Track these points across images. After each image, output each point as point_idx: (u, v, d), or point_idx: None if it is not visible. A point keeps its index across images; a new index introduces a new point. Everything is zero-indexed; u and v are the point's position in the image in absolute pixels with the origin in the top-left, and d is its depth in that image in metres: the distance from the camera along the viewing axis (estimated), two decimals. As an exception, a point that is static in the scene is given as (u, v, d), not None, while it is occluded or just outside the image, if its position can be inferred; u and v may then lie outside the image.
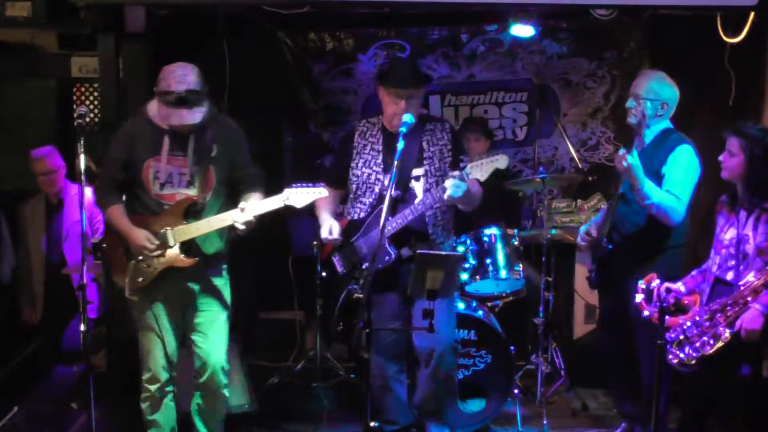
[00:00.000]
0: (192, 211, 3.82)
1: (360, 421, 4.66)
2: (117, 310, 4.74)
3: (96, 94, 5.73)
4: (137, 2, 4.85)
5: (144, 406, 4.01)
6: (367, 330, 3.41)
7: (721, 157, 3.81)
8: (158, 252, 3.81)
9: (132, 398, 4.22)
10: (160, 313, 3.93)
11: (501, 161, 3.83)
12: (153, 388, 3.97)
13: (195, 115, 3.71)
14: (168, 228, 3.80)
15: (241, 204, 3.74)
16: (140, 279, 3.87)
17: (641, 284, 3.85)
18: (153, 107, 3.85)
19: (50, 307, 5.38)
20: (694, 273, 3.97)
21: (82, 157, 3.49)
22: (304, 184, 3.78)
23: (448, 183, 3.83)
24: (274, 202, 3.75)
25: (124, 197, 3.95)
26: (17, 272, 5.47)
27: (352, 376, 5.37)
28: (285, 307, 5.94)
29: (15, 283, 5.48)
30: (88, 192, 4.73)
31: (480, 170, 3.83)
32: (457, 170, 3.87)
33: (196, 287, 3.96)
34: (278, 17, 5.03)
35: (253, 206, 3.74)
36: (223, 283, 4.03)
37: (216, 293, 4.00)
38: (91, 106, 5.71)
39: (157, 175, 3.81)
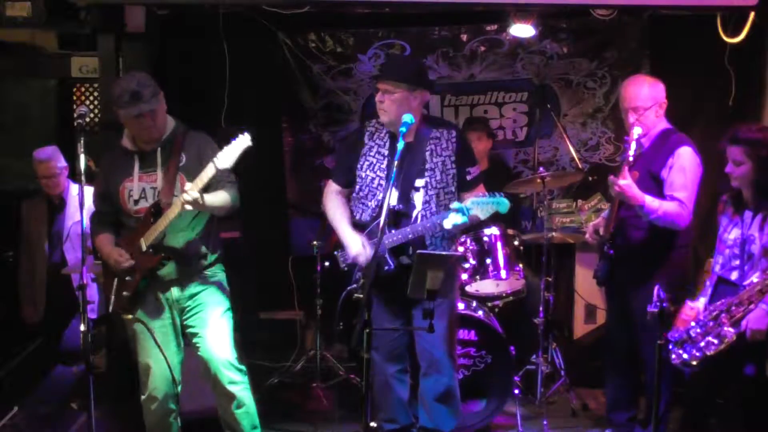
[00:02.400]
0: (159, 214, 3.87)
1: (360, 421, 4.68)
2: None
3: (96, 94, 5.74)
4: (137, 2, 4.85)
5: (147, 424, 4.02)
6: (367, 330, 3.41)
7: (727, 170, 3.75)
8: (130, 263, 3.87)
9: (132, 398, 4.22)
10: (155, 327, 3.93)
11: (502, 206, 3.80)
12: (152, 407, 3.98)
13: (151, 103, 3.81)
14: (141, 238, 3.89)
15: (186, 185, 3.78)
16: (125, 292, 3.91)
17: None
18: (125, 137, 3.98)
19: (50, 307, 5.38)
20: (708, 283, 3.94)
21: (82, 157, 3.50)
22: (229, 143, 3.75)
23: (448, 219, 3.82)
24: (209, 171, 3.76)
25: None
26: (19, 271, 5.47)
27: (352, 376, 5.37)
28: (285, 307, 5.94)
29: (16, 282, 5.48)
30: (90, 192, 4.74)
31: (480, 209, 3.80)
32: (457, 203, 3.84)
33: (184, 289, 3.98)
34: (278, 17, 5.03)
35: (194, 183, 3.76)
36: (213, 278, 4.04)
37: (207, 289, 4.01)
38: (91, 106, 5.72)
39: (131, 194, 3.92)
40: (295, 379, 5.50)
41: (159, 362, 3.91)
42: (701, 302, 3.88)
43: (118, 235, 4.01)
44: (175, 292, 3.97)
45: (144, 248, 3.87)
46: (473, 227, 4.90)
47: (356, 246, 4.04)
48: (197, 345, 4.00)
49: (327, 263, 5.13)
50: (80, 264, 3.56)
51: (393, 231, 4.00)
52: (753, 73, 5.15)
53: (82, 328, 3.48)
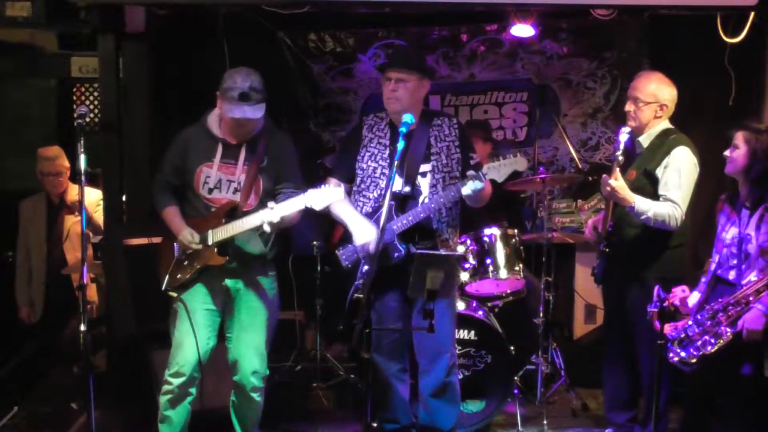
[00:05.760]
0: (234, 215, 3.90)
1: (360, 421, 4.68)
2: (117, 310, 4.75)
3: (96, 94, 5.74)
4: (137, 2, 4.85)
5: (163, 399, 4.00)
6: (367, 330, 3.41)
7: (726, 152, 3.82)
8: (197, 247, 3.90)
9: (132, 398, 4.22)
10: (197, 308, 3.96)
11: (519, 163, 3.84)
12: (176, 382, 3.95)
13: (256, 112, 3.84)
14: (210, 229, 3.91)
15: (270, 204, 3.82)
16: (179, 276, 3.96)
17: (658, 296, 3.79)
18: (212, 117, 4.00)
19: (50, 307, 5.38)
20: (704, 279, 3.95)
21: (82, 157, 3.50)
22: (323, 186, 3.83)
23: (466, 185, 3.84)
24: (297, 203, 3.81)
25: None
26: (16, 271, 5.47)
27: (352, 376, 5.37)
28: (285, 307, 5.89)
29: (14, 282, 5.48)
30: (89, 192, 4.75)
31: (498, 171, 3.84)
32: (473, 170, 3.86)
33: (236, 287, 4.01)
34: (278, 17, 5.03)
35: (280, 206, 3.81)
36: (267, 286, 4.07)
37: (257, 295, 4.03)
38: (91, 106, 5.73)
39: (207, 180, 3.95)
40: (295, 379, 5.50)
41: (192, 342, 3.92)
42: (694, 296, 3.89)
43: (182, 209, 4.01)
44: (227, 283, 4.01)
45: (210, 242, 3.90)
46: (475, 222, 4.92)
47: (368, 233, 3.99)
48: (231, 344, 4.05)
49: (327, 267, 5.14)
50: (80, 264, 3.57)
51: (401, 215, 4.01)
52: (753, 73, 5.14)
53: (82, 328, 3.48)
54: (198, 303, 3.97)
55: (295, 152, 4.11)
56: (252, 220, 3.83)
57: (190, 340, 3.92)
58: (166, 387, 3.98)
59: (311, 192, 3.79)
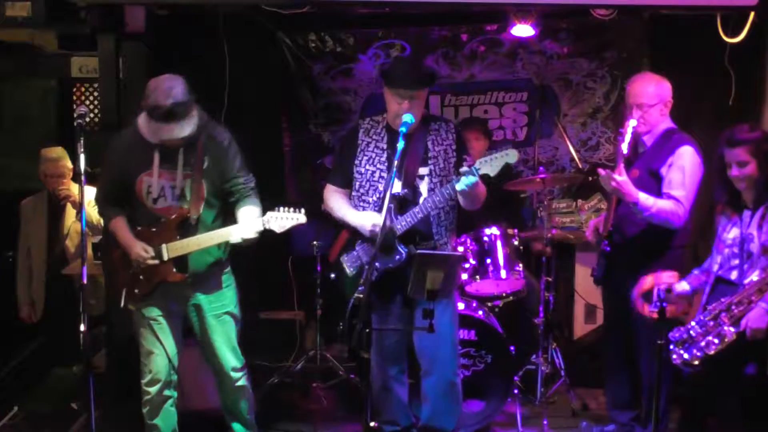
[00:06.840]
0: (186, 226, 3.87)
1: (360, 421, 4.68)
2: (117, 310, 4.74)
3: (96, 94, 5.74)
4: (137, 2, 4.85)
5: (144, 410, 4.02)
6: (367, 330, 3.41)
7: (733, 173, 3.73)
8: (153, 262, 3.85)
9: (132, 398, 4.23)
10: (159, 318, 3.97)
11: (510, 156, 3.84)
12: (152, 390, 3.98)
13: (184, 129, 3.73)
14: (164, 244, 3.86)
15: (233, 226, 3.86)
16: (136, 290, 3.93)
17: (647, 284, 3.80)
18: (143, 120, 3.86)
19: (50, 306, 5.38)
20: (696, 272, 3.96)
21: (82, 157, 3.51)
22: (285, 209, 3.83)
23: (459, 182, 3.85)
24: (255, 226, 3.83)
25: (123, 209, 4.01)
26: (16, 270, 5.47)
27: (352, 376, 5.37)
28: (285, 307, 5.94)
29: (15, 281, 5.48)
30: (89, 192, 4.74)
31: (490, 165, 3.85)
32: (466, 167, 3.87)
33: (194, 296, 4.01)
34: (278, 17, 5.03)
35: (238, 230, 3.85)
36: (224, 287, 4.07)
37: (217, 296, 4.04)
38: (91, 106, 5.72)
39: (149, 190, 3.87)
40: (295, 379, 5.50)
41: (160, 350, 3.95)
42: (682, 285, 3.88)
43: (131, 217, 3.95)
44: (186, 291, 4.00)
45: (165, 258, 3.86)
46: (475, 222, 4.92)
47: (369, 218, 4.03)
48: (204, 348, 4.07)
49: (333, 275, 5.11)
50: (80, 264, 3.57)
51: (400, 217, 4.02)
52: (753, 73, 5.15)
53: (82, 328, 3.48)
54: (162, 311, 3.98)
55: (234, 144, 3.99)
56: (210, 239, 3.83)
57: (159, 349, 3.95)
58: (145, 397, 4.01)
59: (270, 214, 3.80)
